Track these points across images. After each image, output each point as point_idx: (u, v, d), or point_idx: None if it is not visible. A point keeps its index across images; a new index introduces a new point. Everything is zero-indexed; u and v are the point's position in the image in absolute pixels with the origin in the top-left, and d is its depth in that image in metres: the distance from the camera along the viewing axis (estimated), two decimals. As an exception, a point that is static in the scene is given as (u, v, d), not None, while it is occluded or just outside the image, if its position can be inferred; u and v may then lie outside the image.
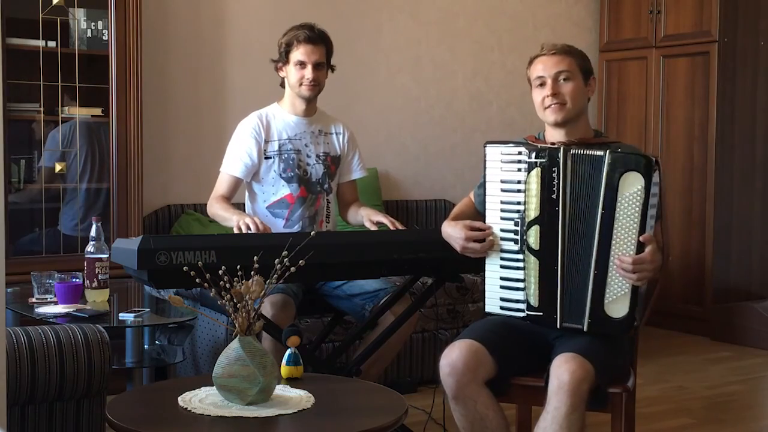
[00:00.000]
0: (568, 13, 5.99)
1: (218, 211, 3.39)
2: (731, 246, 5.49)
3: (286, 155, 3.48)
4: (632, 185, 2.51)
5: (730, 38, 5.39)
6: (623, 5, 5.89)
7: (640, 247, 2.51)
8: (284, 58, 3.46)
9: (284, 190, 3.48)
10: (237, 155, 3.48)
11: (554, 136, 2.78)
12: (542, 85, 2.76)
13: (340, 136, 3.61)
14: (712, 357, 5.02)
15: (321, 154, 3.54)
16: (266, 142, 3.48)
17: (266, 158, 3.47)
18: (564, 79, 2.73)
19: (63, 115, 4.21)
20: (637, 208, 2.51)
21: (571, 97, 2.73)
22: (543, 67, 2.75)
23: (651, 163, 2.52)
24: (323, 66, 3.46)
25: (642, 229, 2.51)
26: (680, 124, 5.61)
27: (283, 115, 3.53)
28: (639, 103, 5.82)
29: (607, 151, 2.56)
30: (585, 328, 2.58)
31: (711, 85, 5.41)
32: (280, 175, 3.47)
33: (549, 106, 2.74)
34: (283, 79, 3.52)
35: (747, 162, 5.53)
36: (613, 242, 2.54)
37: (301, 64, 3.42)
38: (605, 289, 2.55)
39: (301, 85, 3.44)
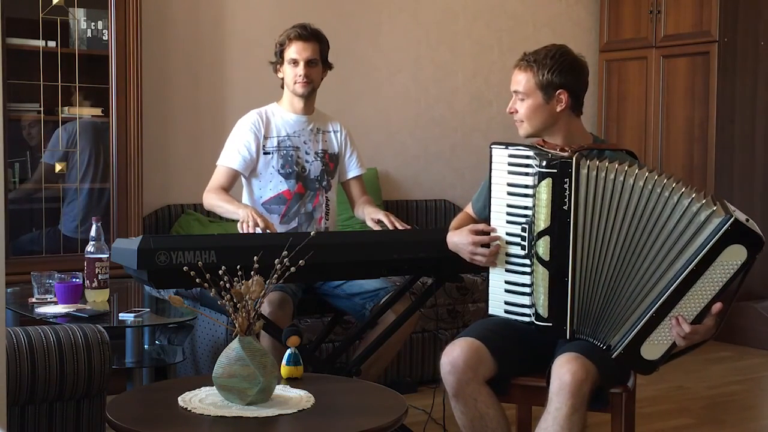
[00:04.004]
0: (568, 13, 5.99)
1: (219, 202, 3.40)
2: (731, 246, 5.48)
3: (284, 151, 3.50)
4: (734, 256, 2.40)
5: (730, 38, 5.39)
6: (623, 5, 5.89)
7: (703, 312, 2.43)
8: (279, 58, 3.50)
9: (281, 186, 3.49)
10: (235, 148, 3.49)
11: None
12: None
13: (338, 134, 3.63)
14: (712, 357, 5.02)
15: (319, 152, 3.56)
16: (265, 138, 3.50)
17: (265, 153, 3.50)
18: (520, 99, 2.75)
19: (63, 115, 4.21)
20: (724, 279, 2.41)
21: (526, 117, 2.74)
22: (511, 81, 2.78)
23: (762, 245, 2.41)
24: (316, 63, 3.48)
25: (715, 299, 2.42)
26: (680, 124, 5.60)
27: (282, 113, 3.55)
28: (639, 103, 5.82)
29: (733, 217, 2.41)
30: (613, 356, 2.52)
31: (711, 85, 5.40)
32: (279, 170, 3.49)
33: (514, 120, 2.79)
34: (282, 80, 3.55)
35: (747, 162, 5.53)
36: (684, 299, 2.44)
37: (294, 62, 3.46)
38: (652, 332, 2.48)
39: (295, 83, 3.47)
